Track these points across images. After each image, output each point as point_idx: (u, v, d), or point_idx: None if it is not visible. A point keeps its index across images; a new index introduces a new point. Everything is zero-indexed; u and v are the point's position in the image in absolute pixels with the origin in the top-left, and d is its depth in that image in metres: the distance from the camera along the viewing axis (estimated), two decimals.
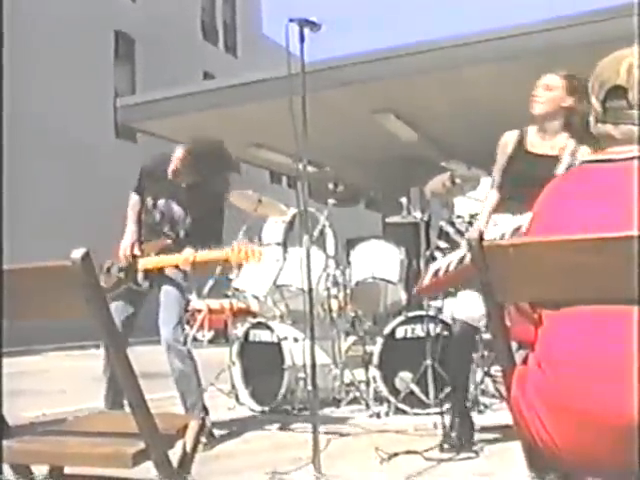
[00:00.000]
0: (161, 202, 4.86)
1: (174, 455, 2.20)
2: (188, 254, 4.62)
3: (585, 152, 4.10)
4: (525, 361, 1.86)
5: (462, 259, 4.08)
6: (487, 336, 4.92)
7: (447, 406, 4.69)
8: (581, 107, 4.15)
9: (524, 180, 4.13)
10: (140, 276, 4.77)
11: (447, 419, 4.45)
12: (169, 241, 4.80)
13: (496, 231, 4.10)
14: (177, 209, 4.83)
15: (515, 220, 3.92)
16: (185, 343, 4.80)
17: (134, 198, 5.00)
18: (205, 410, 4.75)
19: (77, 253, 1.88)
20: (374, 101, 11.54)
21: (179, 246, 4.73)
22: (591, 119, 1.98)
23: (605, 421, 1.65)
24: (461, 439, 4.27)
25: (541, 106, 4.28)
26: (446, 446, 4.23)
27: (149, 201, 4.90)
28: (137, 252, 4.80)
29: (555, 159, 4.19)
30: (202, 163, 4.73)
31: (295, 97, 4.06)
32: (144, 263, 4.76)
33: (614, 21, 8.79)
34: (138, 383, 2.03)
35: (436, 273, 4.21)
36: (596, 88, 1.95)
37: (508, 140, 4.46)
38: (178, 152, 4.82)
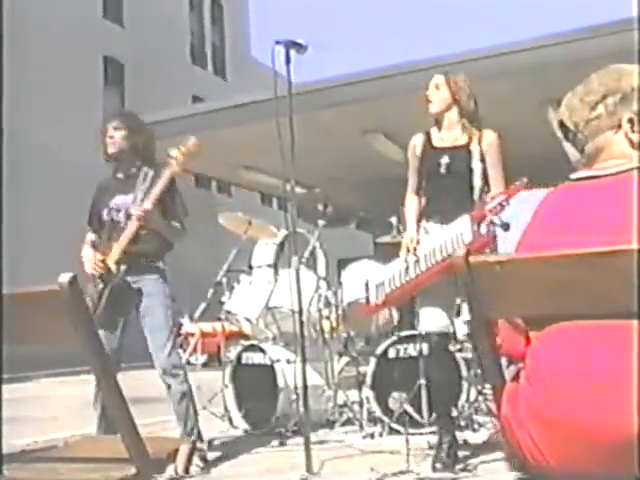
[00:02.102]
0: (112, 201, 4.72)
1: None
2: (136, 212, 4.46)
3: (490, 135, 4.45)
4: (515, 378, 1.86)
5: (407, 269, 4.21)
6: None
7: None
8: (469, 100, 4.51)
9: (438, 175, 4.49)
10: (113, 267, 4.53)
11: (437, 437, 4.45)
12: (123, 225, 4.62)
13: (430, 240, 4.35)
14: (127, 198, 4.66)
15: (447, 230, 4.20)
16: (182, 366, 4.73)
17: (89, 237, 4.84)
18: (200, 435, 4.70)
19: (64, 277, 1.87)
20: (364, 122, 11.60)
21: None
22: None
23: (596, 436, 1.65)
24: (451, 456, 4.26)
25: (435, 104, 4.57)
26: (438, 465, 4.21)
27: (104, 212, 4.74)
28: (100, 256, 4.58)
29: (461, 149, 4.46)
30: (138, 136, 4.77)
31: (282, 119, 4.08)
32: (112, 256, 4.54)
33: (605, 38, 8.87)
34: (127, 408, 2.02)
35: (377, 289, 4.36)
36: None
37: (416, 142, 4.67)
38: (118, 134, 4.73)
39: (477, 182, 4.39)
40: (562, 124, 2.01)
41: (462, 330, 5.30)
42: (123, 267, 4.54)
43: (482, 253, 3.86)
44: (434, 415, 5.01)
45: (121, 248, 4.53)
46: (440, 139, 4.57)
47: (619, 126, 1.92)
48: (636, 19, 8.21)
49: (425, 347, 5.10)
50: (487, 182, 4.39)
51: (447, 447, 4.30)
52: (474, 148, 4.42)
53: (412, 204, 4.65)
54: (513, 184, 4.09)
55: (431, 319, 4.50)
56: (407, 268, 4.34)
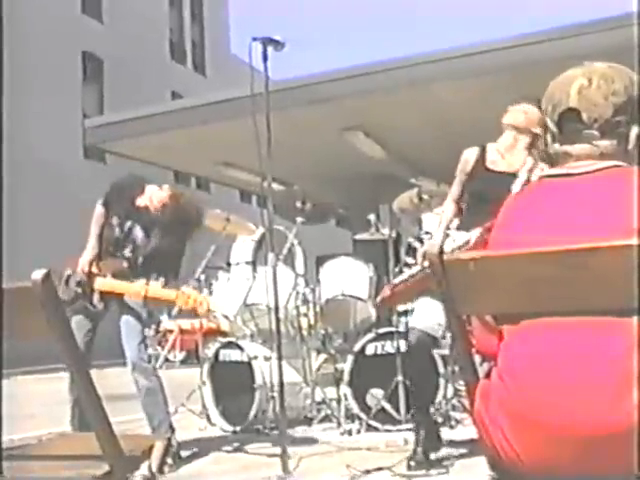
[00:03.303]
0: (127, 224, 4.83)
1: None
2: (139, 287, 4.62)
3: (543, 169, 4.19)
4: (488, 374, 1.87)
5: (416, 273, 4.17)
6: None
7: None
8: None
9: (482, 197, 4.33)
10: (96, 297, 4.72)
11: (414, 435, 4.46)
12: (126, 264, 4.76)
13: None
14: (140, 234, 4.81)
15: (464, 235, 4.04)
16: (149, 361, 4.82)
17: (99, 210, 4.89)
18: (172, 429, 4.70)
19: (37, 274, 1.86)
20: (343, 119, 11.59)
21: (135, 272, 4.71)
22: (548, 138, 2.00)
23: (567, 432, 1.66)
24: (427, 455, 4.26)
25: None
26: (412, 463, 4.21)
27: (115, 220, 4.85)
28: (94, 270, 4.73)
29: (513, 176, 4.30)
30: (183, 211, 4.88)
31: (260, 116, 4.07)
32: (99, 283, 4.71)
33: (582, 37, 8.93)
34: (101, 404, 2.01)
35: (394, 286, 4.29)
36: (549, 110, 1.97)
37: (469, 157, 4.55)
38: (164, 192, 4.86)
39: None
40: (567, 112, 1.92)
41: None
42: (101, 306, 4.75)
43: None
44: (411, 412, 5.02)
45: (107, 289, 4.70)
46: (492, 162, 4.54)
47: (627, 138, 1.90)
48: (618, 17, 8.26)
49: (403, 344, 5.12)
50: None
51: (423, 445, 4.31)
52: (522, 174, 4.34)
53: (447, 211, 4.67)
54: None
55: (421, 315, 4.49)
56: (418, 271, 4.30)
